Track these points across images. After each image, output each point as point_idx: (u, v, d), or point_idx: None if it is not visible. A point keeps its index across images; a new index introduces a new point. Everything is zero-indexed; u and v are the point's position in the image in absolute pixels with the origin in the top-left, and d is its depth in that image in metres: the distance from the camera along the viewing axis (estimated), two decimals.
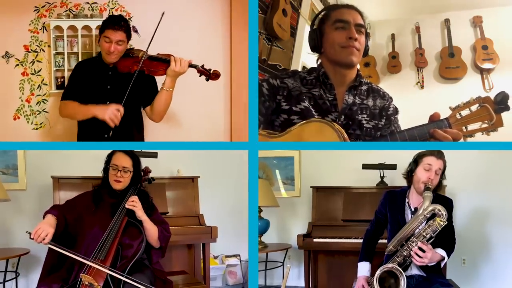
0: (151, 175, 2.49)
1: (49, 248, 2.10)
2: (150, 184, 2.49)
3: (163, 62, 2.64)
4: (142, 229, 2.20)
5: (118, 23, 2.60)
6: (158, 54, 2.71)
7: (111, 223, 2.14)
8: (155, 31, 2.58)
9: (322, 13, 2.05)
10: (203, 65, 2.65)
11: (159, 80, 2.72)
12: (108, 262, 2.04)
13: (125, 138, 2.70)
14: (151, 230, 2.24)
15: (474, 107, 1.79)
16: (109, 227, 2.12)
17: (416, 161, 2.25)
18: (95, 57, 2.82)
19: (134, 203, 2.20)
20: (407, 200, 2.32)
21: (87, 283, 1.94)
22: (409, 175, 2.30)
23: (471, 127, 1.80)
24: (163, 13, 2.59)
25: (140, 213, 2.21)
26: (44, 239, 1.98)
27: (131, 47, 2.78)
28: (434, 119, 1.80)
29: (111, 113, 2.47)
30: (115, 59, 2.65)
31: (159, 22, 2.57)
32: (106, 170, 2.31)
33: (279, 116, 2.03)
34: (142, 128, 2.86)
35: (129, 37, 2.68)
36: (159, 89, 2.70)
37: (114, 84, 2.65)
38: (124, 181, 2.27)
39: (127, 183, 2.29)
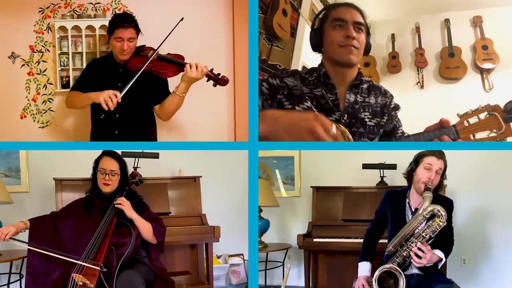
0: (149, 174, 2.50)
1: (30, 257, 2.19)
2: (153, 185, 2.51)
3: (173, 63, 2.63)
4: (132, 227, 2.23)
5: (127, 20, 2.60)
6: (169, 54, 2.69)
7: (100, 224, 2.18)
8: (169, 34, 2.58)
9: (322, 13, 2.04)
10: (211, 70, 2.62)
11: (172, 80, 2.71)
12: (99, 262, 2.05)
13: (138, 133, 2.74)
14: (144, 227, 2.28)
15: (482, 115, 1.74)
16: (98, 228, 2.16)
17: (416, 161, 2.25)
18: (107, 56, 2.84)
19: (121, 203, 2.25)
20: (407, 200, 2.32)
21: (81, 283, 1.96)
22: (410, 175, 2.30)
23: (479, 135, 1.76)
24: (182, 19, 2.61)
25: (129, 212, 2.25)
26: (6, 235, 2.10)
27: (142, 44, 2.77)
28: (443, 126, 1.77)
29: (106, 95, 2.47)
30: (128, 56, 2.66)
31: (175, 26, 2.58)
32: (94, 175, 2.36)
33: None
34: (154, 122, 2.86)
35: (138, 32, 2.68)
36: (171, 91, 2.69)
37: (125, 82, 2.62)
38: (112, 184, 2.31)
39: (116, 186, 2.33)
